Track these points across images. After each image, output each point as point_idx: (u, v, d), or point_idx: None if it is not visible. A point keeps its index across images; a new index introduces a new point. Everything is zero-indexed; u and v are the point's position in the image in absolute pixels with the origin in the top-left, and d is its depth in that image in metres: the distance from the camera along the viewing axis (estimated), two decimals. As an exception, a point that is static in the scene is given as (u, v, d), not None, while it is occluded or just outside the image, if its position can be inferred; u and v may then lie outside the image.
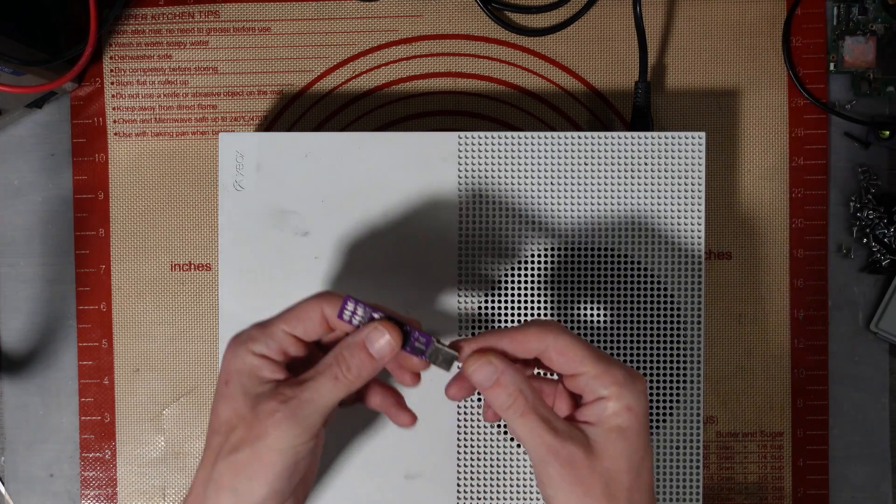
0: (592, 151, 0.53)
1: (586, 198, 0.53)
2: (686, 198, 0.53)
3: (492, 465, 0.53)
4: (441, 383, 0.53)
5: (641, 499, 0.40)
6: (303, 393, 0.40)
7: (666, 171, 0.53)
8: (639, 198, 0.53)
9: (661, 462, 0.53)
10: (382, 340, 0.41)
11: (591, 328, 0.53)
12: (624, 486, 0.40)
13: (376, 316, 0.42)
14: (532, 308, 0.53)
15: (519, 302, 0.53)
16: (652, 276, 0.53)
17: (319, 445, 0.43)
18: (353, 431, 0.53)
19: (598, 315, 0.53)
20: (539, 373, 0.47)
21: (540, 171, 0.53)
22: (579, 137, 0.53)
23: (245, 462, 0.40)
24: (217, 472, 0.40)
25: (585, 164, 0.53)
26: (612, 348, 0.53)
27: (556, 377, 0.45)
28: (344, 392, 0.41)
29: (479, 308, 0.53)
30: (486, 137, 0.53)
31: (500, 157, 0.53)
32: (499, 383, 0.41)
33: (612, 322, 0.53)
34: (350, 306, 0.41)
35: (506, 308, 0.53)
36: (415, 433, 0.53)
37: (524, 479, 0.53)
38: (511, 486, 0.53)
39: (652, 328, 0.53)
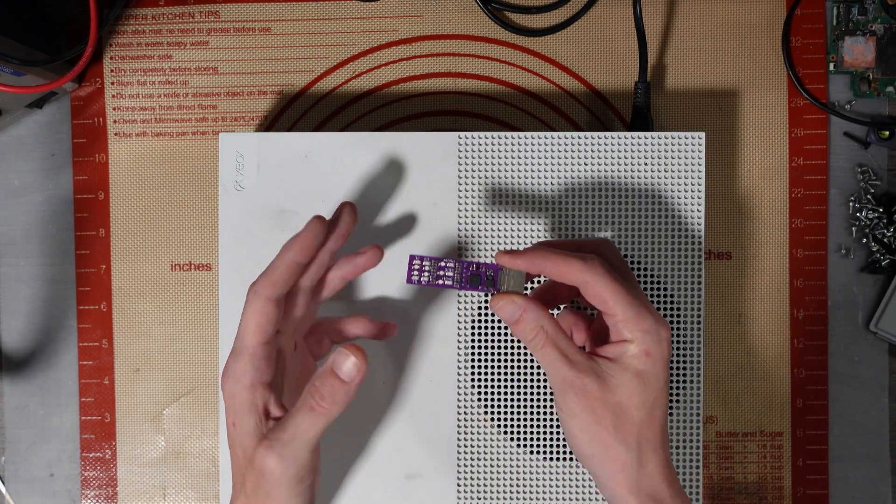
0: (592, 151, 0.53)
1: (586, 198, 0.53)
2: (686, 198, 0.53)
3: (492, 465, 0.53)
4: (441, 383, 0.53)
5: (651, 434, 0.43)
6: (284, 434, 0.43)
7: (666, 171, 0.53)
8: (639, 198, 0.53)
9: (661, 462, 0.53)
10: (349, 362, 0.43)
11: (591, 328, 0.53)
12: (634, 420, 0.43)
13: (441, 264, 0.45)
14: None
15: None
16: (652, 276, 0.53)
17: (317, 457, 0.45)
18: (353, 432, 0.53)
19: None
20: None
21: (540, 171, 0.53)
22: (579, 137, 0.53)
23: (261, 500, 0.43)
24: None
25: (585, 164, 0.53)
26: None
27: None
28: (325, 422, 0.43)
29: (479, 307, 0.53)
30: (486, 137, 0.53)
31: (500, 157, 0.53)
32: (522, 320, 0.44)
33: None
34: (417, 263, 0.45)
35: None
36: (415, 433, 0.53)
37: (524, 479, 0.53)
38: (511, 486, 0.53)
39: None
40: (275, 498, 0.43)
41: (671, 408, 0.53)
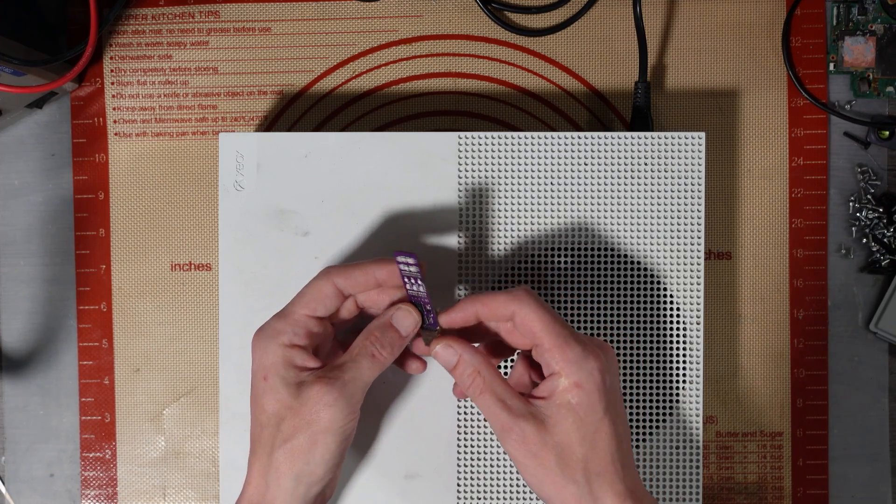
0: (592, 151, 0.53)
1: (586, 198, 0.53)
2: (686, 198, 0.53)
3: (492, 465, 0.53)
4: (440, 383, 0.53)
5: (600, 466, 0.43)
6: (345, 374, 0.44)
7: (666, 171, 0.53)
8: (639, 198, 0.53)
9: (661, 462, 0.53)
10: (410, 320, 0.46)
11: (591, 328, 0.53)
12: (578, 456, 0.42)
13: (420, 279, 0.45)
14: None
15: (519, 302, 0.53)
16: (652, 276, 0.53)
17: (357, 418, 0.46)
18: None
19: (599, 315, 0.53)
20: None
21: (540, 171, 0.53)
22: (579, 137, 0.53)
23: (302, 448, 0.43)
24: (276, 460, 0.44)
25: (585, 164, 0.53)
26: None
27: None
28: (380, 369, 0.45)
29: (479, 308, 0.53)
30: (486, 137, 0.53)
31: (500, 157, 0.53)
32: (459, 363, 0.45)
33: (612, 322, 0.53)
34: (401, 259, 0.45)
35: (506, 308, 0.53)
36: (415, 433, 0.53)
37: (524, 479, 0.53)
38: (511, 486, 0.53)
39: (652, 328, 0.53)
40: (320, 444, 0.43)
41: (671, 409, 0.53)
